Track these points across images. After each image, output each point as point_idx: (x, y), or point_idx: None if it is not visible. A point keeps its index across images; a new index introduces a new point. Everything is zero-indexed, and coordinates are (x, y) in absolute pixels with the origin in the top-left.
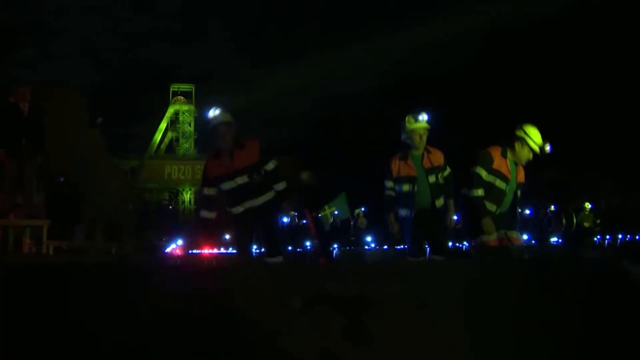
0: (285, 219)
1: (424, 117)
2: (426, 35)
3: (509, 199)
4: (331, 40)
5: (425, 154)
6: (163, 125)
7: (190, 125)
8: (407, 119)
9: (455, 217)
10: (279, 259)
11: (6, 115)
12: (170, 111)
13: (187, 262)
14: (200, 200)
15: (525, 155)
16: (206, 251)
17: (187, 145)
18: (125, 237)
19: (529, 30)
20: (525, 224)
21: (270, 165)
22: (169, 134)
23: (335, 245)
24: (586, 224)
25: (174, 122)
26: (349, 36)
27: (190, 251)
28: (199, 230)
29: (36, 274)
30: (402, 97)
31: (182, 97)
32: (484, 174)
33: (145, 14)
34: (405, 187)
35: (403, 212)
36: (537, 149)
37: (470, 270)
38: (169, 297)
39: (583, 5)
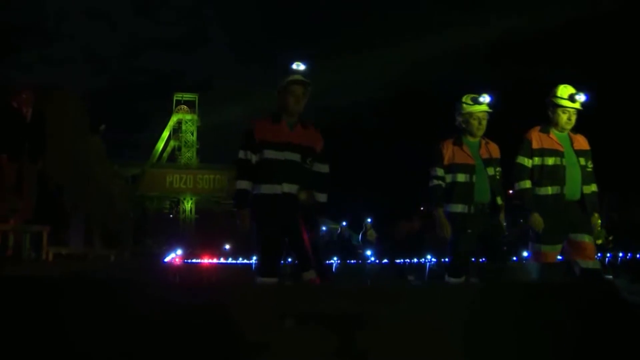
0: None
1: (485, 99)
2: (428, 48)
3: (573, 175)
4: (334, 49)
5: (483, 142)
6: (166, 134)
7: (193, 134)
8: (464, 99)
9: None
10: (311, 273)
11: (8, 119)
12: (173, 120)
13: (185, 275)
14: (238, 168)
15: (563, 118)
16: (206, 261)
17: (189, 155)
18: (124, 245)
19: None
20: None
21: (324, 168)
22: (172, 143)
23: (335, 259)
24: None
25: (176, 131)
26: (352, 46)
27: (189, 260)
28: (237, 204)
29: (30, 286)
30: (407, 109)
31: (185, 106)
32: (525, 160)
33: (147, 20)
34: (461, 177)
35: (457, 208)
36: (566, 103)
37: (471, 295)
38: (163, 312)
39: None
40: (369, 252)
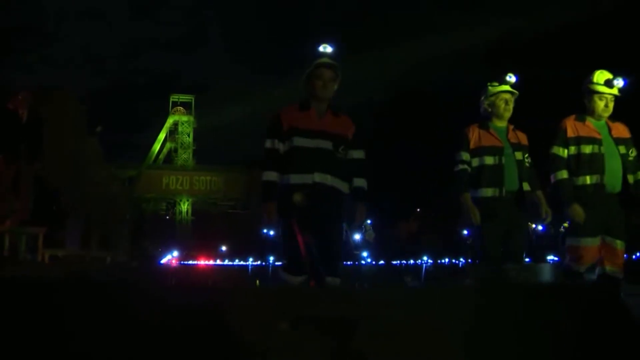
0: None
1: (512, 78)
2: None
3: (612, 165)
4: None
5: (510, 128)
6: (162, 136)
7: (189, 136)
8: (490, 82)
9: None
10: (336, 280)
11: (5, 121)
12: (169, 121)
13: (181, 278)
14: (265, 158)
15: (600, 105)
16: (202, 262)
17: (185, 156)
18: (120, 246)
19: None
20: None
21: (359, 154)
22: (168, 145)
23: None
24: None
25: (173, 132)
26: (350, 48)
27: (185, 262)
28: (264, 197)
29: (27, 288)
30: (406, 110)
31: (181, 108)
32: (560, 150)
33: (145, 21)
34: (489, 160)
35: (486, 193)
36: (603, 89)
37: (469, 298)
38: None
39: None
40: (365, 254)
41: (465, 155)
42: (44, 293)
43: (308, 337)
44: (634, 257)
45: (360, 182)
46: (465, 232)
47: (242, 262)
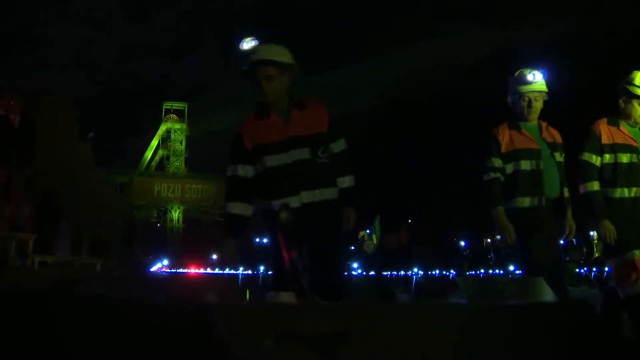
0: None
1: (535, 76)
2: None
3: None
4: (327, 59)
5: (543, 126)
6: (154, 143)
7: (181, 143)
8: (516, 74)
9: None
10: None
11: None
12: (162, 129)
13: (170, 288)
14: (229, 188)
15: (636, 109)
16: (192, 271)
17: (177, 164)
18: (111, 254)
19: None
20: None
21: (339, 145)
22: (160, 152)
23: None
24: (597, 254)
25: (165, 139)
26: (345, 55)
27: (174, 270)
28: (226, 232)
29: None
30: (400, 119)
31: (174, 115)
32: (594, 158)
33: (139, 27)
34: (525, 165)
35: (523, 203)
36: (638, 91)
37: (459, 315)
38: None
39: None
40: (355, 265)
41: (497, 162)
42: (19, 305)
43: (291, 354)
44: None
45: (346, 181)
46: (462, 243)
47: (232, 272)
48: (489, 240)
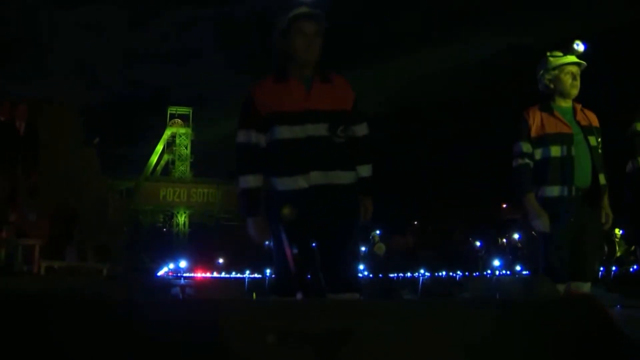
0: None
1: (579, 46)
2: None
3: None
4: (327, 59)
5: (578, 108)
6: (159, 148)
7: (186, 148)
8: (549, 53)
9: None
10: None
11: (1, 133)
12: (167, 133)
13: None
14: (241, 157)
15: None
16: (199, 275)
17: (183, 168)
18: (117, 259)
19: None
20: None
21: (362, 129)
22: (165, 156)
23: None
24: (618, 253)
25: (170, 144)
26: (348, 60)
27: (182, 274)
28: (247, 212)
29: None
30: (404, 124)
31: (179, 120)
32: None
33: (143, 34)
34: (555, 151)
35: (552, 191)
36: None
37: (463, 313)
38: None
39: None
40: (361, 266)
41: (526, 147)
42: (31, 307)
43: (293, 352)
44: None
45: (365, 170)
46: (478, 243)
47: (239, 275)
48: (504, 240)
